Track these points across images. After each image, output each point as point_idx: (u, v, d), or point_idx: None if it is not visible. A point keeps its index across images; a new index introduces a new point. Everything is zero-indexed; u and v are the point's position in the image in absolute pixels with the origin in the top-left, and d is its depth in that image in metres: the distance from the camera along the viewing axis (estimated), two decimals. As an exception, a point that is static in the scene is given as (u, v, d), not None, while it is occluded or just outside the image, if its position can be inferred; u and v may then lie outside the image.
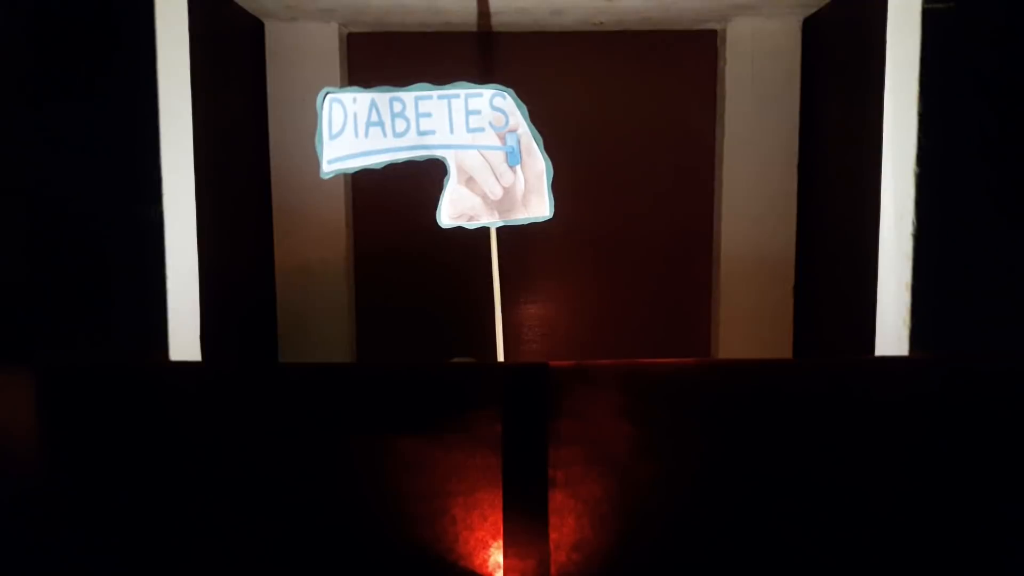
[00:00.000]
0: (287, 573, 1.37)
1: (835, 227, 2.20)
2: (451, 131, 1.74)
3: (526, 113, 1.76)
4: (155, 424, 1.35)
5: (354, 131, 1.68)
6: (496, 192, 1.78)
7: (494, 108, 1.76)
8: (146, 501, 1.36)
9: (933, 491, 1.38)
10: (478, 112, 1.72)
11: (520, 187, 1.79)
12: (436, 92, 1.74)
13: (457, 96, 1.75)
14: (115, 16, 1.60)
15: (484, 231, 2.53)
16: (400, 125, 1.73)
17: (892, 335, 1.78)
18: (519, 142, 1.80)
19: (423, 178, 2.52)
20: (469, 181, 1.74)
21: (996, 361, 1.45)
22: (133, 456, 1.35)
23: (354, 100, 1.66)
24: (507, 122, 1.77)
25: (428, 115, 1.72)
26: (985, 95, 1.70)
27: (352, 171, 1.69)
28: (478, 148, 1.75)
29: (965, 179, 1.74)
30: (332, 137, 1.68)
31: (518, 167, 1.78)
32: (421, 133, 1.70)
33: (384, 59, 2.46)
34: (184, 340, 1.65)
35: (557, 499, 1.36)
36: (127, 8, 1.60)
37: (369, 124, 1.72)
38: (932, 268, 1.76)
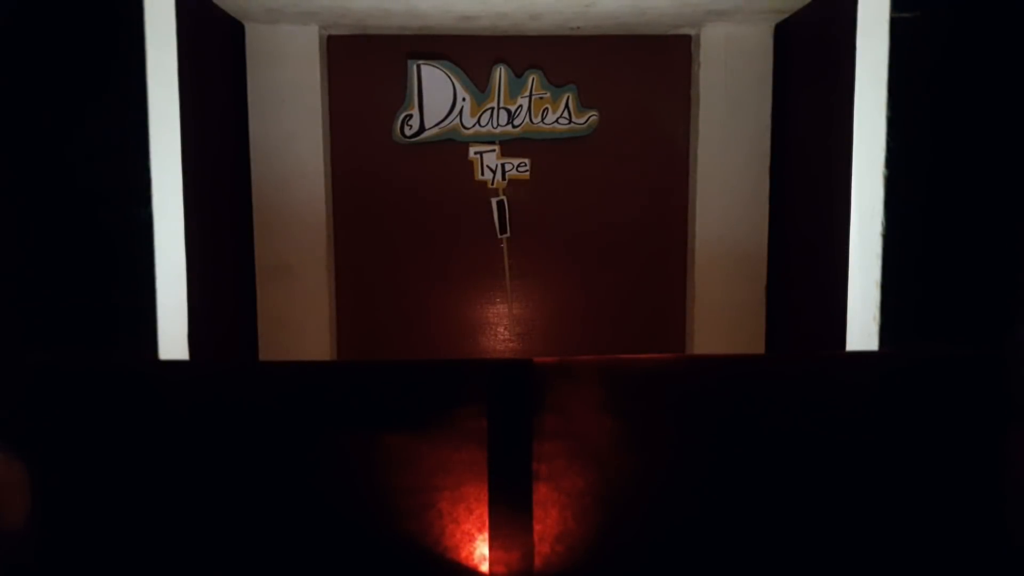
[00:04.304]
0: (275, 566, 1.38)
1: (806, 226, 2.25)
2: None
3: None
4: (147, 422, 1.36)
5: None
6: None
7: None
8: (137, 497, 1.36)
9: (902, 477, 1.42)
10: None
11: None
12: None
13: None
14: (107, 22, 1.61)
15: (468, 233, 2.56)
16: None
17: (863, 331, 1.82)
18: None
19: (404, 180, 2.55)
20: None
21: (962, 354, 1.49)
22: (125, 453, 1.36)
23: None
24: None
25: None
26: (950, 99, 1.75)
27: None
28: None
29: (932, 180, 1.79)
30: None
31: None
32: None
33: (363, 61, 2.48)
34: (173, 339, 1.67)
35: (541, 492, 1.39)
36: (119, 13, 1.61)
37: None
38: (901, 266, 1.80)
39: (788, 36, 2.35)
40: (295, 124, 2.38)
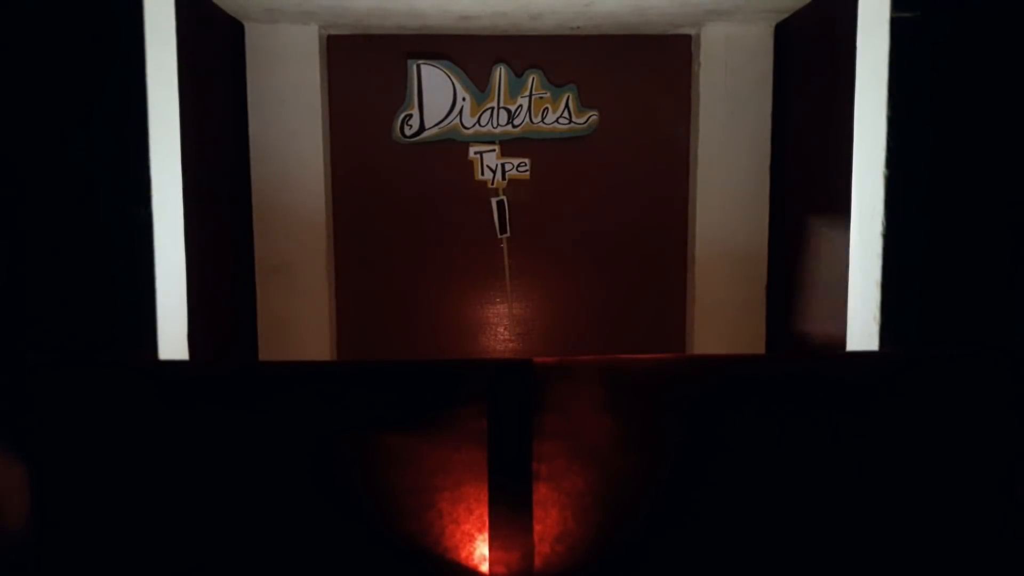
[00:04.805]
0: (276, 566, 1.38)
1: (806, 226, 2.25)
2: None
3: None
4: (147, 422, 1.36)
5: None
6: None
7: None
8: (137, 497, 1.36)
9: (904, 477, 1.42)
10: None
11: None
12: None
13: None
14: (107, 22, 1.61)
15: (468, 233, 2.56)
16: None
17: (863, 331, 1.83)
18: None
19: (404, 180, 2.55)
20: None
21: (962, 355, 1.49)
22: (125, 454, 1.36)
23: None
24: None
25: None
26: (951, 99, 1.75)
27: None
28: None
29: (932, 180, 1.79)
30: None
31: None
32: None
33: (363, 61, 2.48)
34: (172, 339, 1.67)
35: (541, 492, 1.39)
36: (118, 13, 1.61)
37: None
38: (901, 266, 1.80)
39: (788, 36, 2.35)
40: (295, 124, 2.38)
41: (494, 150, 2.53)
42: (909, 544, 1.43)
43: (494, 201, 2.54)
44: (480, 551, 1.38)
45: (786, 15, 2.30)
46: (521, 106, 2.50)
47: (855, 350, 1.82)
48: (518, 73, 2.49)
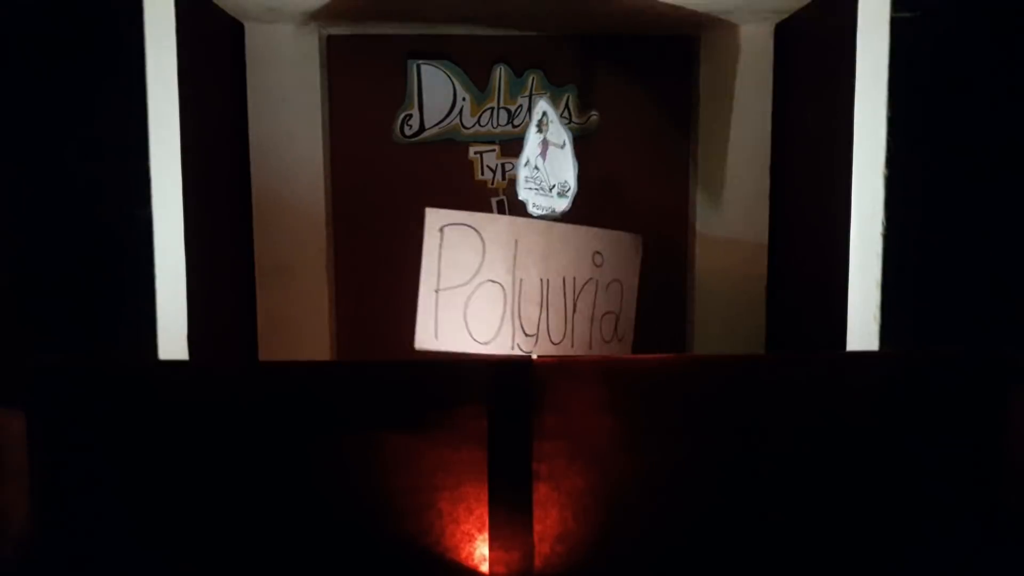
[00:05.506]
0: (276, 566, 1.38)
1: (807, 226, 2.25)
2: None
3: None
4: (147, 422, 1.36)
5: None
6: None
7: None
8: (138, 496, 1.37)
9: (903, 475, 1.43)
10: None
11: None
12: None
13: None
14: (107, 22, 1.62)
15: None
16: None
17: (863, 331, 1.83)
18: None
19: (404, 180, 2.55)
20: None
21: (962, 355, 1.49)
22: (125, 452, 1.36)
23: None
24: None
25: None
26: (951, 99, 1.76)
27: None
28: None
29: (932, 180, 1.80)
30: None
31: None
32: None
33: (363, 61, 2.48)
34: (172, 339, 1.67)
35: (541, 492, 1.39)
36: (118, 14, 1.62)
37: None
38: (901, 266, 1.81)
39: (788, 36, 2.35)
40: (295, 124, 2.38)
41: (494, 150, 2.52)
42: (908, 541, 1.43)
43: (494, 201, 2.54)
44: (480, 551, 1.39)
45: (786, 15, 2.30)
46: (521, 106, 2.50)
47: (855, 350, 1.82)
48: (518, 73, 2.49)
